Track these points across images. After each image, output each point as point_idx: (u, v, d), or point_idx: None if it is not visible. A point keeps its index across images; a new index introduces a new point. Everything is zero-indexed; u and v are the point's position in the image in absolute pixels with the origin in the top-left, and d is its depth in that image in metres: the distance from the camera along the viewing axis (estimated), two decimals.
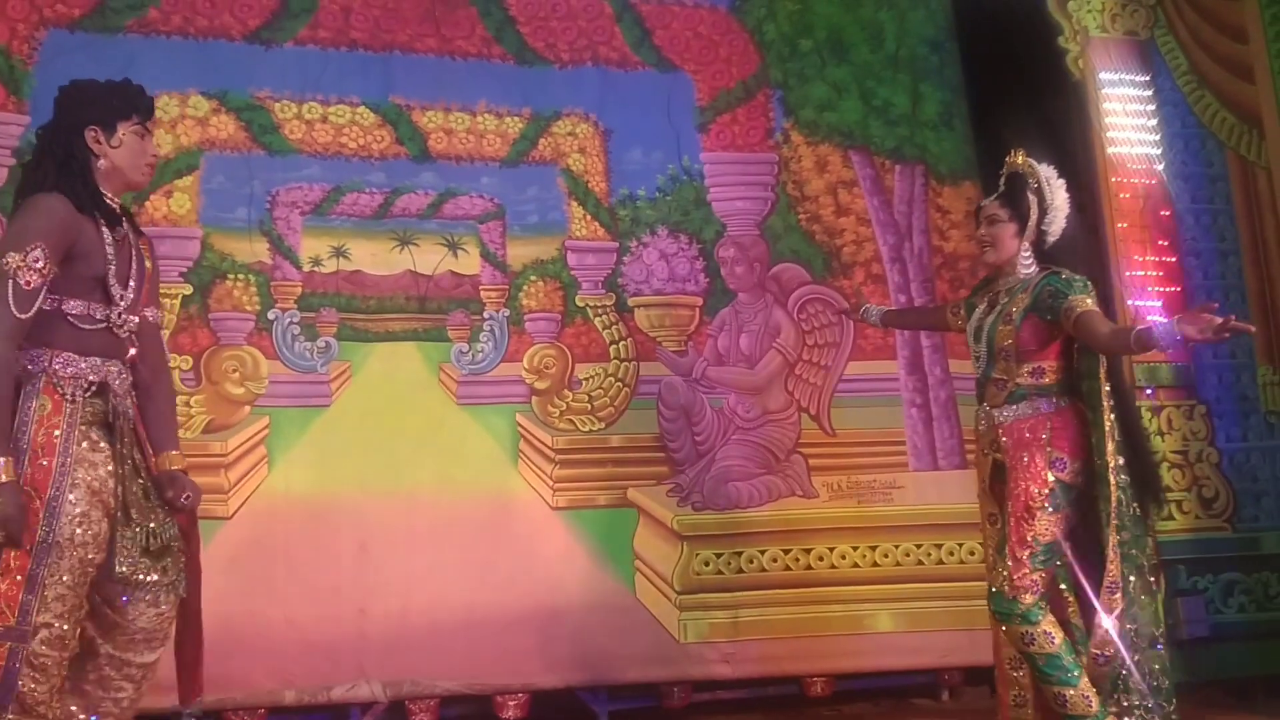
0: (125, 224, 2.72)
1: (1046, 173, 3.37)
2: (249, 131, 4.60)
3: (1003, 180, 3.45)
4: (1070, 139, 5.15)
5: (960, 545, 4.84)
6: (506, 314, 4.74)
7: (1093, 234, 5.02)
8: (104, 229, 2.60)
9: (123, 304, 2.63)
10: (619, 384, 4.80)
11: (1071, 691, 3.06)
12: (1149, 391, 4.99)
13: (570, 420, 4.73)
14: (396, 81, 4.78)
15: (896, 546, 4.85)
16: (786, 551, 4.74)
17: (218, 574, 4.12)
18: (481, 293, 4.74)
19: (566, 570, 4.54)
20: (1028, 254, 3.34)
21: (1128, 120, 5.20)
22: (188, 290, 4.42)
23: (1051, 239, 3.33)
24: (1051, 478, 3.14)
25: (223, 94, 4.59)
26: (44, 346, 2.54)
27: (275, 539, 4.31)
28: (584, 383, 4.77)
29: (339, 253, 4.64)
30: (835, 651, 4.67)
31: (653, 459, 4.75)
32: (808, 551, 4.77)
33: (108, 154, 2.65)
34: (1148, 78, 5.26)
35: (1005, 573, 3.13)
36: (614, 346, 4.82)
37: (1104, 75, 5.19)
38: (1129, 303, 4.97)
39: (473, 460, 4.62)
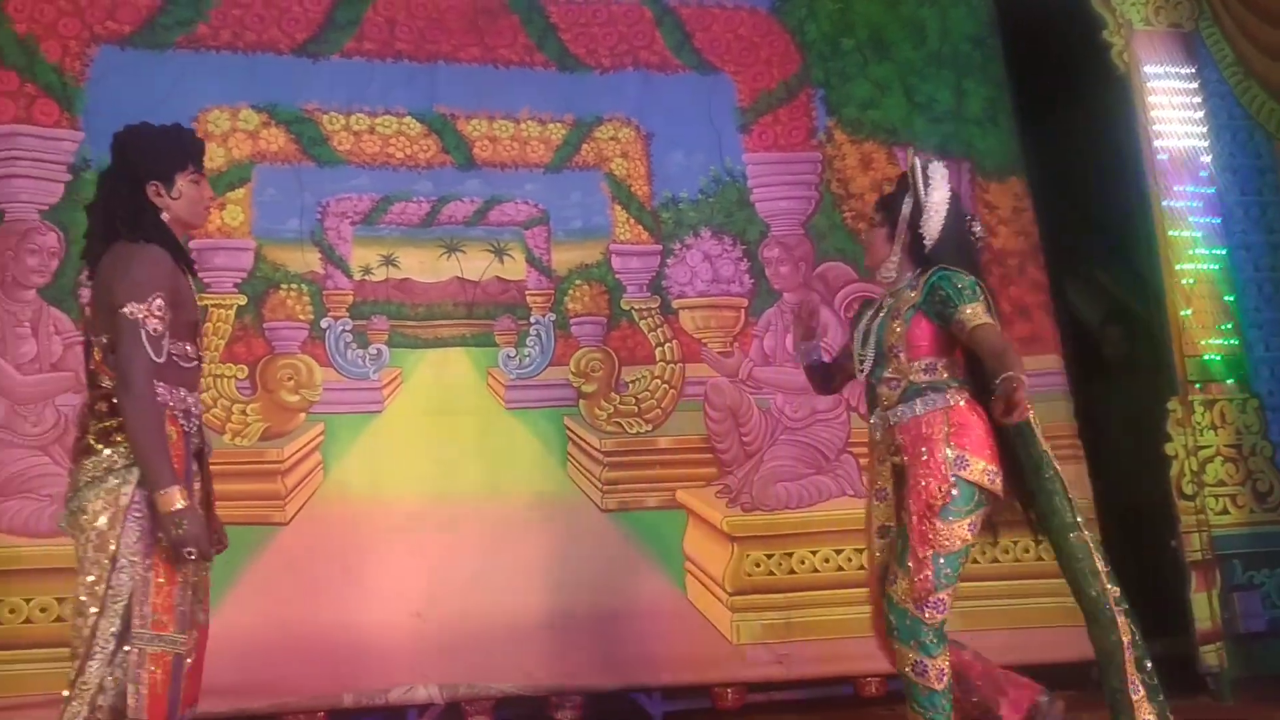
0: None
1: (934, 171, 3.15)
2: (299, 144, 4.68)
3: (897, 182, 3.29)
4: (1116, 133, 5.12)
5: (1015, 543, 4.80)
6: (552, 318, 4.77)
7: (1141, 231, 5.00)
8: (188, 277, 2.77)
9: (199, 343, 2.82)
10: (665, 386, 4.81)
11: None
12: (1198, 386, 4.93)
13: (618, 423, 4.75)
14: (441, 91, 4.84)
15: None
16: (839, 552, 4.72)
17: (275, 579, 4.24)
18: (527, 298, 4.78)
19: (617, 572, 4.56)
20: (895, 258, 3.17)
21: (1174, 114, 5.13)
22: (242, 300, 4.50)
23: (929, 241, 3.09)
24: (954, 476, 2.93)
25: (272, 107, 4.67)
26: (162, 382, 2.67)
27: (331, 544, 4.36)
28: (630, 385, 4.79)
29: (388, 261, 4.70)
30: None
31: (701, 460, 4.75)
32: (860, 551, 4.72)
33: (169, 206, 2.77)
34: (1193, 70, 5.19)
35: (905, 583, 2.95)
36: (659, 349, 4.84)
37: (1149, 68, 5.14)
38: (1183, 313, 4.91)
39: (522, 463, 4.65)
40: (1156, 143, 5.05)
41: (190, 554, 2.58)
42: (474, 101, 4.86)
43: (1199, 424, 4.87)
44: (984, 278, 3.17)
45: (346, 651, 4.24)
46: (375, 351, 4.61)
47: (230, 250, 4.49)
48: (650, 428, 4.76)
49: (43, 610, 4.08)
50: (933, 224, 3.09)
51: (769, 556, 4.68)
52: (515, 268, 4.81)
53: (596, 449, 4.69)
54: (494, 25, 4.91)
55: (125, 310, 2.58)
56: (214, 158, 4.53)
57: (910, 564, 2.95)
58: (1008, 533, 4.80)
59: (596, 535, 4.59)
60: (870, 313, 3.26)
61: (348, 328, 4.61)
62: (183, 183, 2.77)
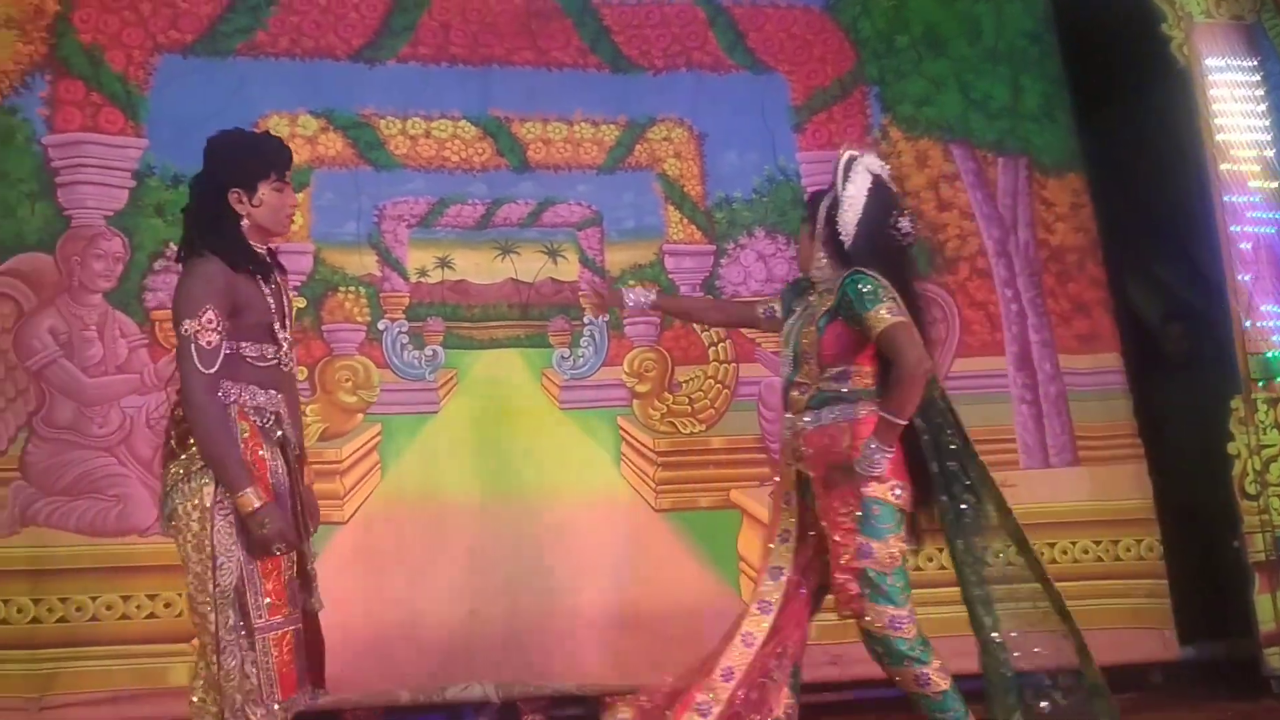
0: (275, 268, 2.95)
1: (858, 164, 3.04)
2: (356, 148, 4.74)
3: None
4: (1177, 127, 5.03)
5: (1074, 544, 4.77)
6: (606, 319, 4.78)
7: (1202, 226, 4.90)
8: (259, 280, 2.83)
9: (284, 344, 2.89)
10: (719, 386, 4.81)
11: None
12: (1261, 384, 4.83)
13: (671, 422, 4.76)
14: (495, 94, 4.88)
15: (1008, 546, 4.75)
16: None
17: (335, 577, 4.26)
18: (581, 298, 4.81)
19: (671, 572, 4.57)
20: (822, 257, 3.08)
21: (1236, 107, 5.02)
22: (301, 303, 4.55)
23: (845, 237, 3.00)
24: (866, 495, 2.93)
25: (330, 113, 4.73)
26: (230, 380, 2.77)
27: (389, 542, 4.42)
28: (684, 385, 4.80)
29: (444, 263, 4.75)
30: (946, 652, 4.47)
31: (755, 460, 4.74)
32: (916, 552, 4.70)
33: (250, 213, 2.83)
34: (1255, 62, 5.07)
35: (855, 606, 3.04)
36: (713, 349, 4.84)
37: (1210, 61, 5.03)
38: (1245, 323, 4.81)
39: (576, 463, 4.68)
40: (1218, 137, 4.95)
41: (280, 549, 2.72)
42: (528, 104, 4.89)
43: (1262, 422, 4.77)
44: (908, 276, 3.10)
45: (403, 649, 4.31)
46: (431, 353, 4.66)
47: (289, 254, 4.47)
48: (704, 427, 4.76)
49: (108, 608, 4.18)
50: (847, 219, 3.00)
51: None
52: (569, 269, 4.83)
53: (650, 449, 4.71)
54: (547, 28, 4.94)
55: (181, 327, 2.70)
56: None
57: (838, 591, 3.05)
58: (1065, 535, 4.78)
59: (650, 535, 4.61)
60: (797, 311, 3.19)
61: (404, 329, 4.67)
62: (265, 190, 2.83)
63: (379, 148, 4.76)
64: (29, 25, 4.53)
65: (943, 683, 3.00)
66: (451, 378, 4.66)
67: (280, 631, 2.74)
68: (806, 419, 3.06)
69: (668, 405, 4.77)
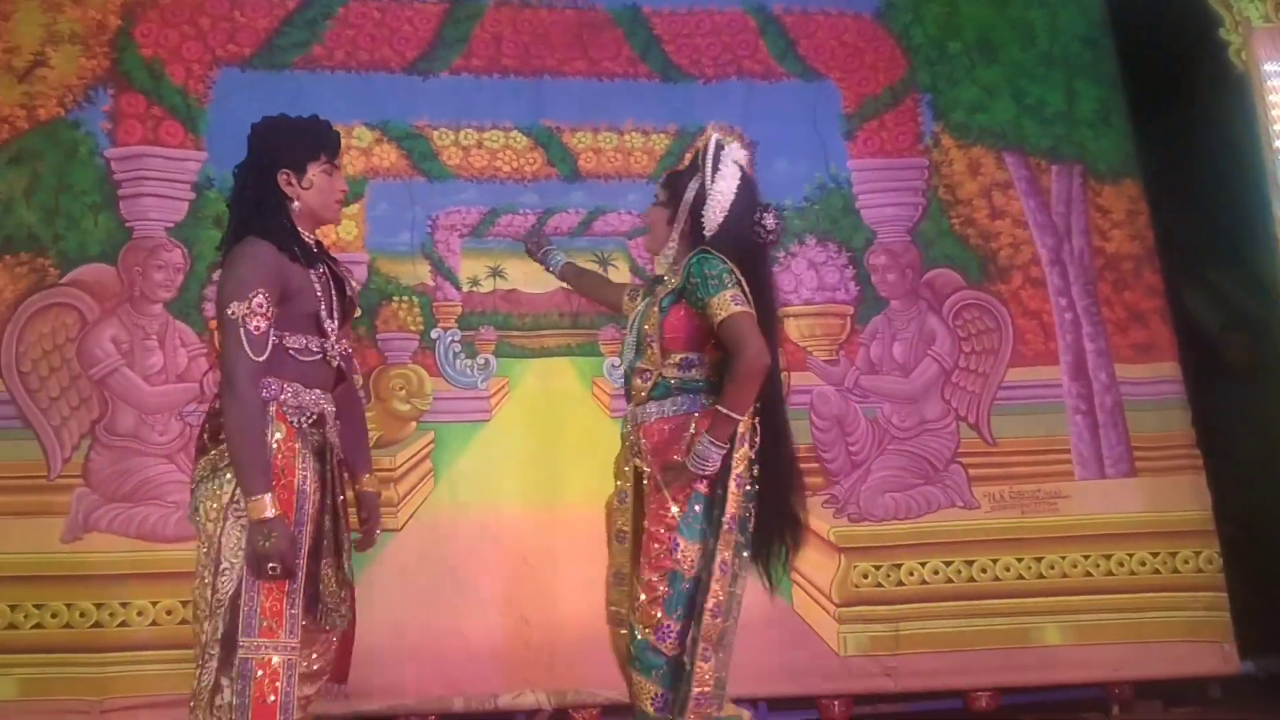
0: (323, 259, 2.81)
1: (727, 155, 2.91)
2: (410, 159, 4.78)
3: (689, 161, 3.04)
4: (1235, 133, 4.94)
5: (1130, 556, 4.70)
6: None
7: (1260, 233, 4.82)
8: (308, 268, 2.69)
9: (332, 336, 2.74)
10: None
11: None
12: None
13: None
14: (547, 105, 4.90)
15: (1063, 558, 4.71)
16: (948, 563, 4.66)
17: (389, 584, 4.34)
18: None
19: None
20: (674, 244, 2.95)
21: None
22: (356, 313, 4.59)
23: (708, 231, 2.87)
24: (695, 490, 2.76)
25: (384, 124, 4.78)
26: (273, 376, 2.64)
27: (442, 550, 4.45)
28: None
29: (496, 273, 4.78)
30: (1000, 665, 4.56)
31: (806, 470, 4.54)
32: (970, 563, 4.68)
33: (300, 195, 2.72)
34: None
35: (640, 610, 2.73)
36: None
37: (1269, 67, 4.92)
38: None
39: None
40: (1277, 142, 4.87)
41: (273, 569, 2.50)
42: (579, 114, 4.92)
43: None
44: (765, 273, 2.98)
45: (457, 656, 4.33)
46: (483, 361, 4.69)
47: (345, 264, 4.58)
48: None
49: (168, 613, 4.23)
50: (714, 214, 2.86)
51: (877, 568, 4.63)
52: (620, 277, 4.81)
53: None
54: (598, 39, 4.97)
55: (228, 310, 2.56)
56: None
57: (642, 586, 2.75)
58: (1122, 546, 4.72)
59: None
60: (642, 294, 3.05)
61: (456, 338, 4.71)
62: (315, 172, 2.73)
63: (432, 158, 4.81)
64: (92, 40, 4.64)
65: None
66: (503, 386, 4.69)
67: (265, 656, 2.51)
68: (649, 409, 2.87)
69: None
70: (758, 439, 2.81)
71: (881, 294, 4.91)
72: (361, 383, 4.40)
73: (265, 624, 2.53)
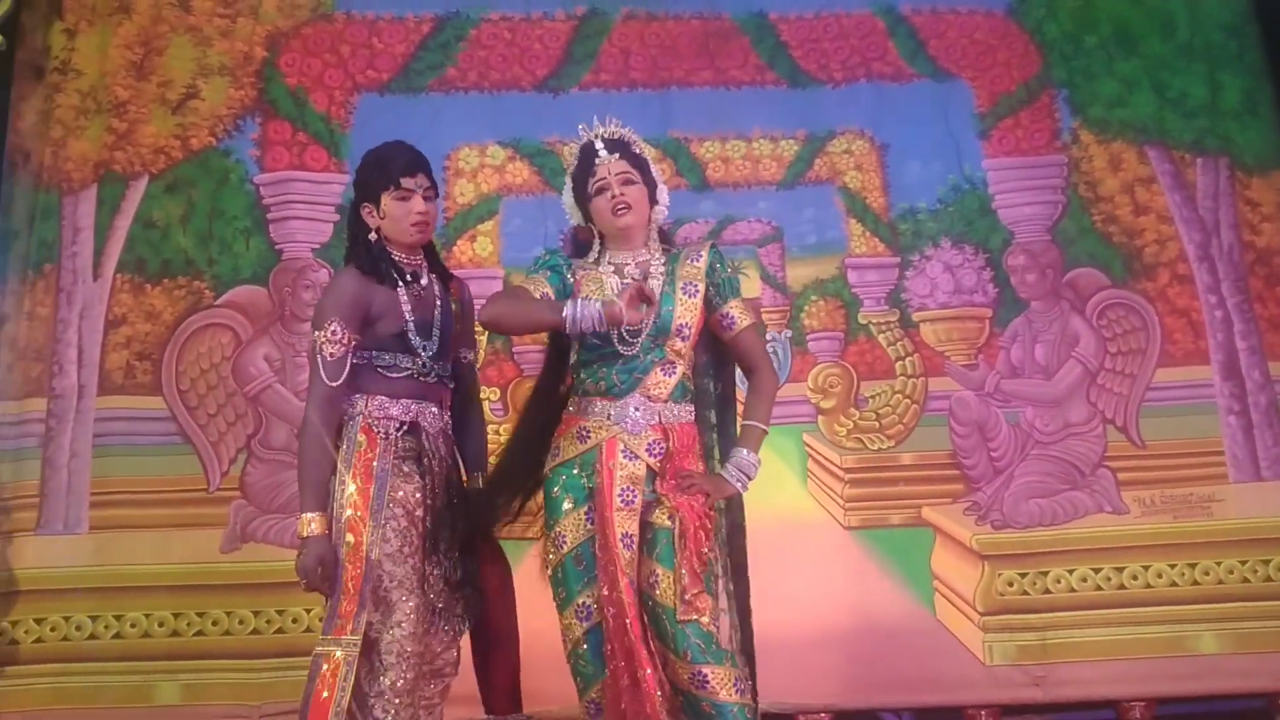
0: (428, 277, 2.99)
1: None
2: (541, 175, 4.87)
3: (600, 143, 2.96)
4: None
5: (1218, 564, 4.52)
6: (789, 335, 4.78)
7: None
8: (399, 289, 2.88)
9: (425, 353, 2.90)
10: (907, 401, 4.73)
11: None
12: None
13: (858, 439, 4.70)
14: (674, 116, 4.93)
15: (1219, 563, 4.54)
16: (1097, 570, 4.52)
17: (536, 590, 4.34)
18: (763, 315, 4.80)
19: (863, 590, 4.50)
20: (652, 228, 2.93)
21: None
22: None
23: (661, 218, 2.95)
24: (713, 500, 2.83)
25: (516, 142, 4.88)
26: (360, 393, 2.85)
27: None
28: (870, 400, 4.73)
29: None
30: (1155, 674, 4.41)
31: (946, 476, 4.65)
32: (1120, 570, 4.54)
33: (379, 226, 2.92)
34: None
35: (698, 602, 2.68)
36: (900, 363, 4.76)
37: None
38: None
39: (761, 481, 4.49)
40: None
41: (303, 584, 2.72)
42: (707, 124, 4.94)
43: None
44: None
45: None
46: None
47: (481, 280, 4.68)
48: (892, 443, 4.68)
49: (321, 620, 4.34)
50: (664, 199, 2.96)
51: (1022, 575, 4.52)
52: (750, 286, 4.81)
53: (837, 466, 4.66)
54: (725, 48, 4.98)
55: (313, 338, 2.81)
56: (464, 193, 4.81)
57: (687, 579, 2.68)
58: (1278, 550, 4.53)
59: (840, 553, 4.55)
60: (609, 276, 2.85)
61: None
62: (388, 201, 2.89)
63: (563, 174, 4.80)
64: (239, 71, 4.85)
65: None
66: None
67: (330, 652, 2.68)
68: (677, 410, 2.80)
69: (854, 421, 4.71)
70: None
71: (1021, 295, 4.80)
72: (498, 395, 4.61)
73: (338, 623, 2.70)
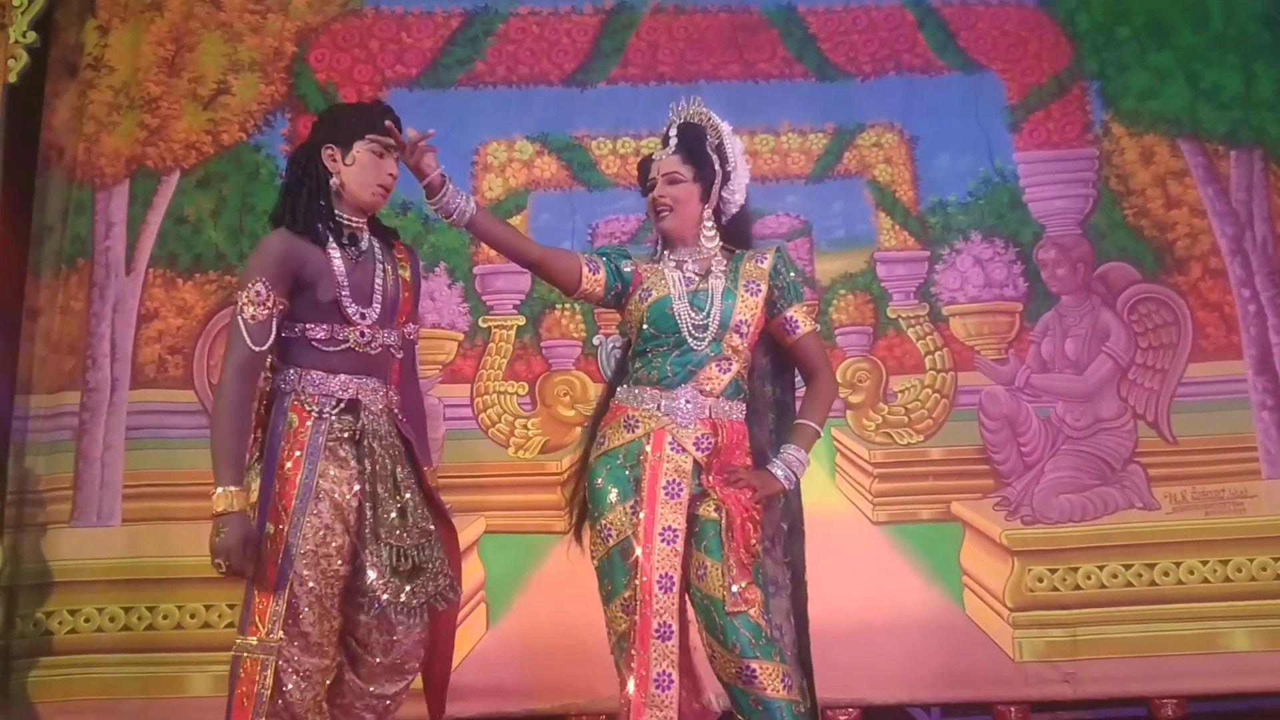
0: (371, 240, 2.79)
1: (728, 139, 2.91)
2: (569, 170, 4.88)
3: (673, 132, 2.97)
4: None
5: (1251, 561, 4.48)
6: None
7: None
8: (332, 252, 2.67)
9: (363, 322, 2.70)
10: (936, 395, 4.71)
11: None
12: None
13: (887, 433, 4.68)
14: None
15: (1251, 560, 4.50)
16: (1128, 567, 4.50)
17: (558, 586, 4.41)
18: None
19: (891, 586, 4.49)
20: (710, 223, 2.87)
21: None
22: (521, 321, 4.73)
23: (733, 209, 2.89)
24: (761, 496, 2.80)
25: (544, 136, 4.89)
26: (294, 367, 2.67)
27: None
28: (899, 395, 4.71)
29: None
30: (1187, 672, 4.38)
31: (976, 471, 4.62)
32: (1151, 566, 4.50)
33: (340, 172, 2.71)
34: None
35: (744, 596, 2.67)
36: (929, 357, 4.74)
37: None
38: None
39: None
40: None
41: (219, 566, 2.50)
42: (734, 117, 4.71)
43: None
44: None
45: None
46: None
47: (510, 274, 4.71)
48: (921, 438, 4.66)
49: None
50: (740, 193, 2.91)
51: (1052, 571, 4.50)
52: None
53: (865, 460, 4.64)
54: (753, 41, 4.97)
55: (236, 301, 2.62)
56: (492, 187, 4.82)
57: (735, 571, 2.67)
58: (1240, 551, 4.50)
59: (868, 548, 4.54)
60: (680, 276, 2.85)
61: (617, 344, 4.73)
62: (361, 150, 2.70)
63: (591, 168, 4.89)
64: (269, 67, 4.88)
65: None
66: None
67: (251, 658, 2.53)
68: (728, 406, 2.79)
69: (883, 416, 4.69)
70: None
71: (1052, 290, 4.76)
72: (526, 390, 4.61)
73: (252, 622, 2.55)
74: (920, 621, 4.39)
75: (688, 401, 2.78)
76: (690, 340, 2.79)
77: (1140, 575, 4.50)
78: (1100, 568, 4.50)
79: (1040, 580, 4.50)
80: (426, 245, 4.62)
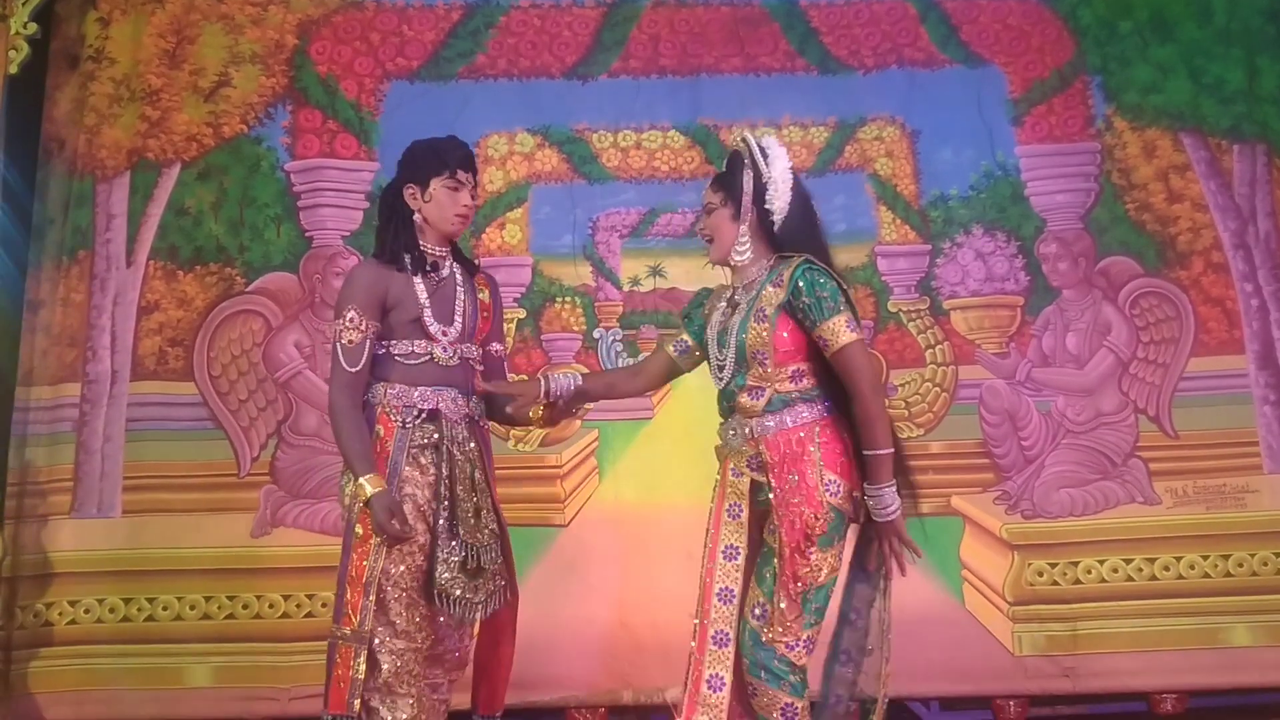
0: (452, 267, 3.04)
1: (765, 144, 2.90)
2: (570, 163, 4.87)
3: (727, 163, 3.01)
4: None
5: (1277, 555, 4.47)
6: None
7: None
8: (416, 278, 2.93)
9: (444, 339, 2.94)
10: (937, 389, 4.70)
11: None
12: None
13: None
14: (704, 103, 4.92)
15: (1252, 555, 4.50)
16: (1128, 561, 4.50)
17: (557, 578, 4.43)
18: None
19: (892, 579, 4.48)
20: (744, 240, 2.87)
21: None
22: (521, 314, 4.72)
23: (778, 218, 2.84)
24: (826, 504, 2.72)
25: (545, 129, 4.88)
26: (380, 382, 2.91)
27: (608, 546, 4.52)
28: (900, 389, 4.70)
29: (655, 271, 4.82)
30: (1186, 666, 4.38)
31: (976, 465, 4.62)
32: (1152, 561, 4.50)
33: (422, 209, 2.97)
34: None
35: (776, 622, 2.70)
36: (930, 351, 4.73)
37: None
38: None
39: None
40: None
41: (380, 537, 2.79)
42: (736, 111, 4.91)
43: None
44: (832, 260, 2.89)
45: (625, 650, 4.39)
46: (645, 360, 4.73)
47: (510, 267, 4.72)
48: (922, 432, 4.66)
49: None
50: (780, 197, 2.84)
51: (1052, 566, 4.50)
52: None
53: None
54: (755, 34, 4.96)
55: (333, 328, 2.90)
56: (493, 180, 4.81)
57: (783, 605, 2.71)
58: (1241, 546, 4.48)
59: None
60: (722, 310, 2.95)
61: (618, 337, 4.77)
62: (437, 186, 2.94)
63: (592, 161, 4.88)
64: (271, 59, 4.87)
65: None
66: (666, 385, 4.72)
67: (346, 645, 2.79)
68: (768, 422, 2.80)
69: None
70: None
71: (1053, 284, 4.76)
72: (510, 377, 4.57)
73: (345, 613, 2.81)
74: (920, 615, 4.32)
75: (734, 429, 2.89)
76: (717, 377, 2.93)
77: (1141, 570, 4.49)
78: (1101, 562, 4.50)
79: (1040, 575, 4.50)
80: None
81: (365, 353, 2.86)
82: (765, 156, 2.89)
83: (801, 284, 2.77)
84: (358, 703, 2.78)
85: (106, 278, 4.69)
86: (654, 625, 4.41)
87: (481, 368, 3.10)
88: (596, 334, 4.75)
